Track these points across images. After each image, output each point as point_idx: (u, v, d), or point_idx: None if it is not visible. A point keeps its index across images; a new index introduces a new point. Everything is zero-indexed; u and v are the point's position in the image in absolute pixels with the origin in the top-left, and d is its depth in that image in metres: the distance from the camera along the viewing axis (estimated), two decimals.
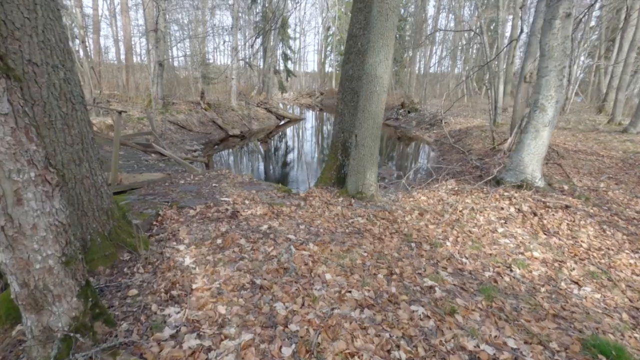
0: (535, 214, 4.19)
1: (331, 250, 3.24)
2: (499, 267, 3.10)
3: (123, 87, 19.53)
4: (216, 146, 14.62)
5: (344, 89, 5.34)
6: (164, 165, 6.31)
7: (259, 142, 16.15)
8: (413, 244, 3.51)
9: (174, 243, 3.19)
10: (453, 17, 31.21)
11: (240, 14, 23.45)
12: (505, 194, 4.76)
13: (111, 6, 23.31)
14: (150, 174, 5.29)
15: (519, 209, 4.35)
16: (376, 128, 4.73)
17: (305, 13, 41.29)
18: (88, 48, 18.35)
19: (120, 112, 4.56)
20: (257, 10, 25.43)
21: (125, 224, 2.83)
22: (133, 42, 23.03)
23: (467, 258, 3.26)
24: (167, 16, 21.07)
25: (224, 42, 27.92)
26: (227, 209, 4.23)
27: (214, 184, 5.02)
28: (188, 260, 2.85)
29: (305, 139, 18.26)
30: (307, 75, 49.05)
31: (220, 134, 15.89)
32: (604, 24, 18.15)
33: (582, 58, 19.06)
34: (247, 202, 4.48)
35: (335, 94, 37.45)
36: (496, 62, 12.56)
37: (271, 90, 25.97)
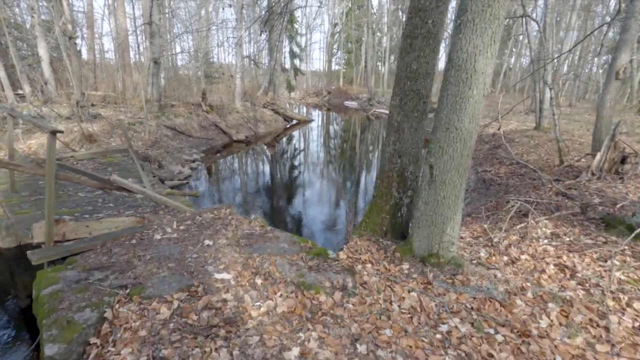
0: None
1: None
2: None
3: (122, 88, 17.83)
4: (218, 153, 12.90)
5: (402, 91, 3.52)
6: (142, 199, 4.55)
7: (266, 148, 14.38)
8: None
9: None
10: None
11: (244, 11, 21.65)
12: None
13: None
14: (113, 220, 3.54)
15: None
16: (466, 155, 2.92)
17: (311, 10, 39.15)
18: (78, 45, 16.68)
19: (54, 132, 2.80)
20: (263, 6, 23.69)
21: None
22: (130, 40, 21.32)
23: None
24: (167, 10, 19.34)
25: (227, 39, 26.17)
26: (224, 301, 2.46)
27: (206, 241, 3.24)
28: None
29: (319, 144, 16.40)
30: (313, 74, 47.17)
31: (223, 139, 14.15)
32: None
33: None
34: (258, 282, 2.69)
35: (344, 94, 35.39)
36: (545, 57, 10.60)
37: (278, 90, 24.18)
